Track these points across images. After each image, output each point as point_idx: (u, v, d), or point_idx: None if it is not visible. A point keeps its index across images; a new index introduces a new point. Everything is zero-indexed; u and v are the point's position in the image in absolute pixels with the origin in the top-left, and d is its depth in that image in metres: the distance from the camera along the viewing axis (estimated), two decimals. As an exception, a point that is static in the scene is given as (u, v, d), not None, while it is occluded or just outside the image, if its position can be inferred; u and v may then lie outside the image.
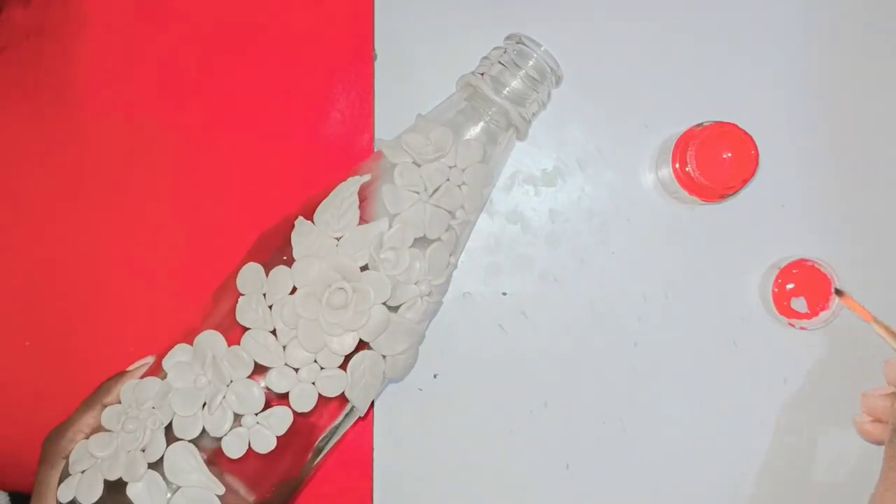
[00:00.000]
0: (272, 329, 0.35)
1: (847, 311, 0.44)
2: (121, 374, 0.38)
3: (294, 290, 0.35)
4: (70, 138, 0.45)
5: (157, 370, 0.37)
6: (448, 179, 0.38)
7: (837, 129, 0.46)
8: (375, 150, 0.39)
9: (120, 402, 0.37)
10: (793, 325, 0.44)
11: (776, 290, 0.44)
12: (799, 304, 0.44)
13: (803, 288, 0.44)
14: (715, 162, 0.41)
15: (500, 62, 0.39)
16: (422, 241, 0.37)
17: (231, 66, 0.46)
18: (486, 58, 0.40)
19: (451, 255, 0.39)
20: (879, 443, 0.38)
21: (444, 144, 0.38)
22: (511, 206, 0.45)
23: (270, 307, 0.35)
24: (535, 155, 0.46)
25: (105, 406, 0.37)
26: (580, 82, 0.45)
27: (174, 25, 0.46)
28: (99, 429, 0.37)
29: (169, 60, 0.46)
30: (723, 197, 0.43)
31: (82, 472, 0.35)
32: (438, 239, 0.38)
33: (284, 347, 0.35)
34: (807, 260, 0.43)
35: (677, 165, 0.42)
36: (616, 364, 0.45)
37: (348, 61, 0.46)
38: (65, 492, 0.35)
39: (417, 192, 0.37)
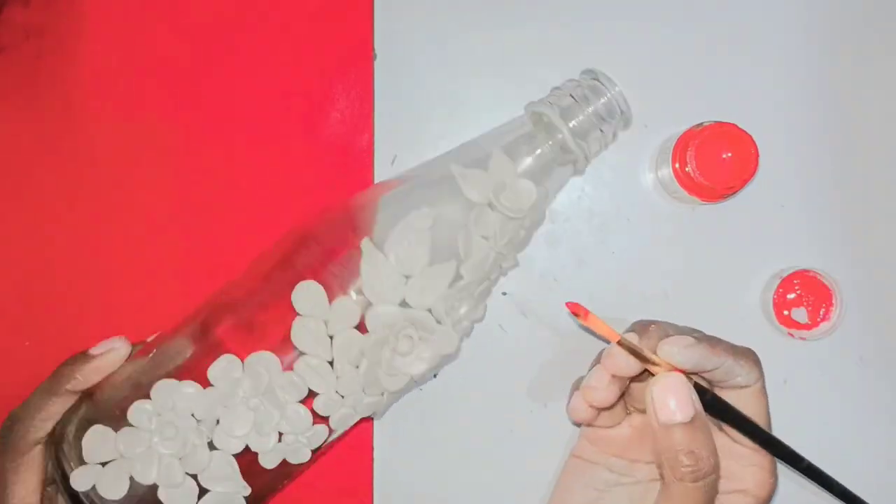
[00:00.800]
0: (330, 360, 0.35)
1: (847, 320, 0.44)
2: (83, 356, 0.37)
3: (359, 323, 0.35)
4: (70, 138, 0.45)
5: (148, 351, 0.37)
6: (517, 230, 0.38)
7: (837, 128, 0.46)
8: (443, 166, 0.37)
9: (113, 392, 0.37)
10: (792, 336, 0.44)
11: (777, 299, 0.44)
12: (799, 314, 0.44)
13: (804, 298, 0.44)
14: (715, 162, 0.41)
15: (571, 95, 0.38)
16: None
17: (231, 66, 0.46)
18: (557, 88, 0.39)
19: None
20: (583, 422, 0.38)
21: (526, 202, 0.37)
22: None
23: (331, 337, 0.35)
24: (535, 155, 0.46)
25: (69, 391, 0.36)
26: (580, 82, 0.45)
27: (174, 25, 0.46)
28: (80, 417, 0.36)
29: (169, 60, 0.46)
30: (723, 197, 0.43)
31: (102, 464, 0.35)
32: (488, 278, 0.38)
33: (338, 377, 0.35)
34: (808, 270, 0.43)
35: (677, 165, 0.42)
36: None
37: (348, 61, 0.46)
38: (82, 481, 0.34)
39: (487, 239, 0.37)
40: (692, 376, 0.35)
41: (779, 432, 0.45)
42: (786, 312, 0.44)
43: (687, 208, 0.45)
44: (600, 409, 0.37)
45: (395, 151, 0.45)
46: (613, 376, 0.35)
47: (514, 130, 0.38)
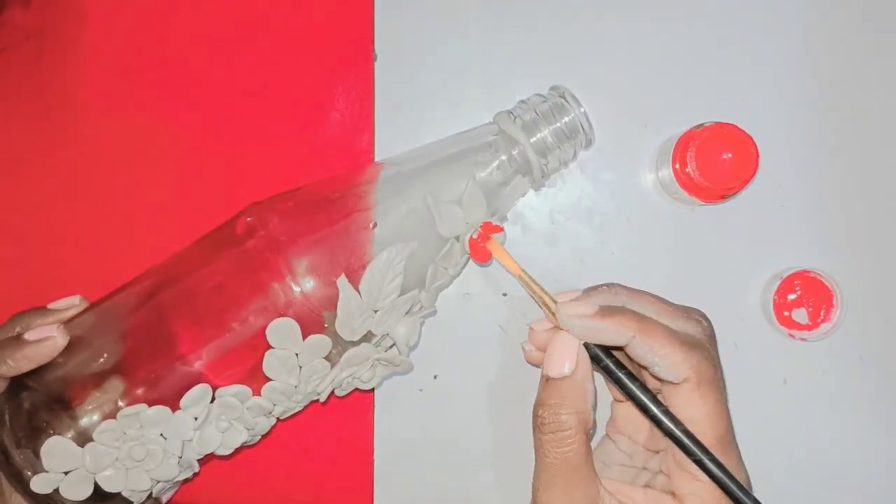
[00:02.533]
0: (296, 384, 0.36)
1: (847, 320, 0.44)
2: (16, 340, 0.36)
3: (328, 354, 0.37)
4: (70, 138, 0.46)
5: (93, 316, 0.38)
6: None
7: (837, 128, 0.46)
8: (423, 198, 0.38)
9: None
10: (793, 336, 0.44)
11: (777, 300, 0.44)
12: (800, 315, 0.44)
13: (805, 299, 0.44)
14: (715, 162, 0.41)
15: (535, 110, 0.39)
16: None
17: (231, 66, 0.46)
18: (524, 101, 0.39)
19: None
20: (536, 365, 0.38)
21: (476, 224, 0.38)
22: (512, 208, 0.45)
23: (300, 367, 0.36)
24: (536, 155, 0.46)
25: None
26: (580, 83, 0.45)
27: (174, 25, 0.46)
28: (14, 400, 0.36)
29: (168, 60, 0.46)
30: (723, 197, 0.43)
31: (65, 473, 0.35)
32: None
33: (300, 395, 0.37)
34: (809, 271, 0.43)
35: (677, 166, 0.42)
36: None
37: (348, 61, 0.46)
38: (43, 486, 0.35)
39: (448, 269, 0.39)
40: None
41: (779, 432, 0.45)
42: (786, 313, 0.44)
43: (687, 209, 0.45)
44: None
45: (395, 151, 0.45)
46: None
47: (479, 137, 0.39)
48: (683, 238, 0.45)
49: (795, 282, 0.44)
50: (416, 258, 0.36)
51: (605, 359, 0.35)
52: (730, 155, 0.41)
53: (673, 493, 0.34)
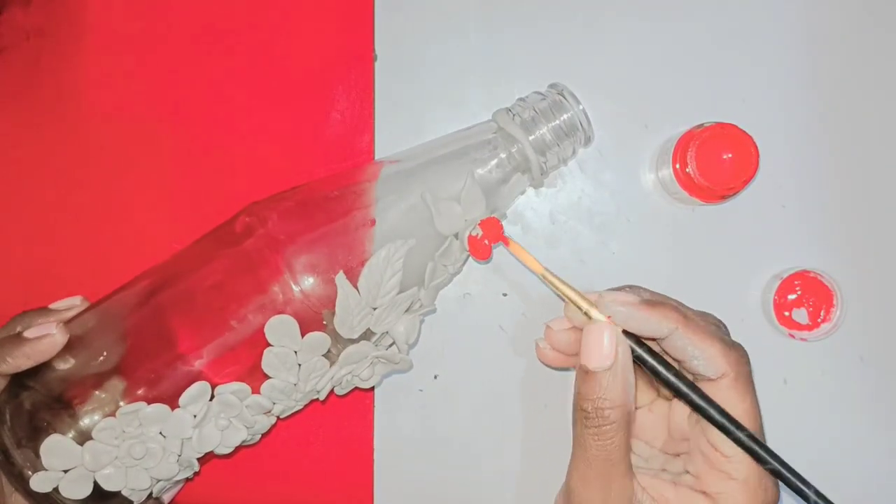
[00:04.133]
0: (295, 382, 0.36)
1: (847, 320, 0.44)
2: (16, 338, 0.36)
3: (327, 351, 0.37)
4: (70, 138, 0.46)
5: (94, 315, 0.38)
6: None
7: (837, 129, 0.46)
8: (420, 195, 0.38)
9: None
10: (793, 336, 0.44)
11: (777, 300, 0.44)
12: (800, 315, 0.44)
13: (805, 299, 0.44)
14: (715, 163, 0.41)
15: (534, 108, 0.39)
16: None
17: (230, 66, 0.46)
18: (522, 99, 0.39)
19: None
20: (549, 365, 0.38)
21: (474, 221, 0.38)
22: (511, 207, 0.45)
23: (299, 365, 0.36)
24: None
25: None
26: (581, 83, 0.45)
27: (174, 26, 0.46)
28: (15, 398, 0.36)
29: (168, 60, 0.46)
30: (723, 198, 0.43)
31: (65, 471, 0.35)
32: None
33: (299, 393, 0.37)
34: (809, 271, 0.43)
35: (677, 166, 0.42)
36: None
37: (348, 61, 0.46)
38: (41, 484, 0.35)
39: (447, 266, 0.39)
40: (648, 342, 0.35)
41: (779, 432, 0.45)
42: (786, 313, 0.44)
43: (687, 209, 0.45)
44: (568, 355, 0.37)
45: (395, 151, 0.45)
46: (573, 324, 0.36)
47: (478, 135, 0.39)
48: (683, 238, 0.45)
49: (795, 282, 0.44)
50: (415, 256, 0.36)
51: (638, 348, 0.34)
52: (730, 155, 0.41)
53: (705, 493, 0.34)
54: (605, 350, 0.33)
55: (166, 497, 0.40)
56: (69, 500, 0.35)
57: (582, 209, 0.45)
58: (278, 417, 0.38)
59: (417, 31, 0.46)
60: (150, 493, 0.37)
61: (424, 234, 0.37)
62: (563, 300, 0.36)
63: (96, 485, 0.35)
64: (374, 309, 0.36)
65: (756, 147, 0.41)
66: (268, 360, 0.35)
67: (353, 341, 0.37)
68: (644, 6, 0.46)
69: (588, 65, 0.46)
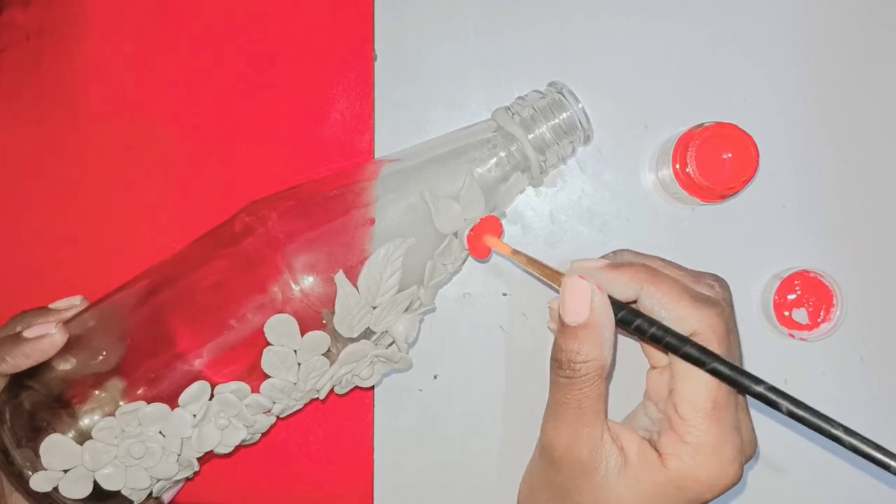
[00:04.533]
0: (295, 381, 0.36)
1: (847, 320, 0.44)
2: (15, 338, 0.36)
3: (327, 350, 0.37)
4: (70, 138, 0.46)
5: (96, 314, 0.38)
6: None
7: (837, 129, 0.46)
8: (419, 193, 0.38)
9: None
10: (792, 336, 0.44)
11: (777, 300, 0.44)
12: (800, 315, 0.44)
13: (805, 299, 0.44)
14: (715, 162, 0.41)
15: (534, 106, 0.39)
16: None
17: (230, 66, 0.46)
18: (522, 98, 0.39)
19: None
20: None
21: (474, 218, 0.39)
22: (511, 206, 0.45)
23: (299, 364, 0.36)
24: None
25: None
26: (581, 83, 0.45)
27: (174, 26, 0.46)
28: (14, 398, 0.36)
29: (168, 60, 0.46)
30: (723, 198, 0.43)
31: (65, 471, 0.35)
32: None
33: (299, 392, 0.37)
34: (809, 271, 0.43)
35: (677, 166, 0.42)
36: (616, 364, 0.45)
37: (348, 61, 0.46)
38: (41, 484, 0.35)
39: (447, 266, 0.39)
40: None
41: (779, 432, 0.45)
42: (786, 313, 0.44)
43: (687, 209, 0.45)
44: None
45: (395, 151, 0.45)
46: None
47: (478, 134, 0.39)
48: (683, 238, 0.45)
49: (795, 282, 0.44)
50: (414, 254, 0.36)
51: (625, 306, 0.34)
52: (730, 155, 0.41)
53: (658, 451, 0.34)
54: (580, 304, 0.34)
55: (166, 496, 0.40)
56: (69, 499, 0.35)
57: (582, 209, 0.45)
58: (278, 417, 0.38)
59: (417, 31, 0.46)
60: (150, 493, 0.37)
61: (424, 232, 0.37)
62: (537, 277, 0.36)
63: (96, 484, 0.35)
64: (374, 308, 0.36)
65: (756, 147, 0.41)
66: (267, 360, 0.35)
67: (352, 340, 0.37)
68: (644, 6, 0.46)
69: (588, 65, 0.46)
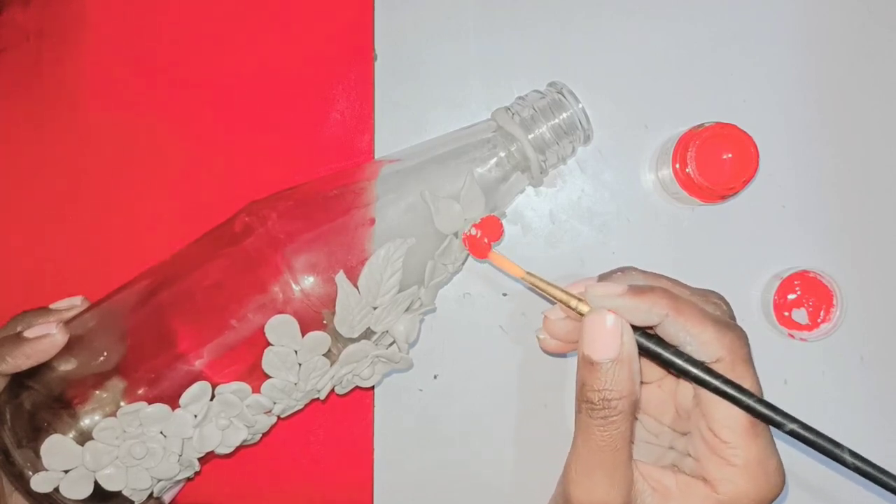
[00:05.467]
0: (295, 381, 0.36)
1: (847, 320, 0.44)
2: (16, 338, 0.36)
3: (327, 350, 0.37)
4: (70, 138, 0.46)
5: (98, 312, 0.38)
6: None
7: (837, 129, 0.46)
8: (419, 192, 0.38)
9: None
10: (792, 337, 0.44)
11: (777, 300, 0.44)
12: (800, 315, 0.44)
13: (805, 299, 0.44)
14: (715, 163, 0.41)
15: (533, 107, 0.39)
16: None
17: (230, 66, 0.46)
18: (522, 98, 0.39)
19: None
20: (553, 353, 0.38)
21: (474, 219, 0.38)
22: (511, 206, 0.45)
23: (300, 364, 0.36)
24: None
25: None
26: (581, 83, 0.45)
27: (174, 26, 0.46)
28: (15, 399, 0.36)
29: (168, 61, 0.46)
30: (723, 198, 0.43)
31: (66, 471, 0.35)
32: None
33: (299, 392, 0.37)
34: (808, 271, 0.43)
35: (677, 166, 0.42)
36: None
37: (348, 61, 0.46)
38: (42, 484, 0.35)
39: (447, 266, 0.39)
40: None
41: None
42: (786, 313, 0.44)
43: (687, 209, 0.45)
44: (568, 342, 0.36)
45: (395, 151, 0.45)
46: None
47: (478, 134, 0.39)
48: (683, 238, 0.45)
49: (795, 282, 0.44)
50: (415, 255, 0.36)
51: (640, 337, 0.33)
52: (730, 155, 0.41)
53: (704, 479, 0.33)
54: (610, 340, 0.32)
55: (167, 497, 0.40)
56: (70, 500, 0.35)
57: (582, 209, 0.45)
58: (279, 417, 0.38)
59: (417, 31, 0.46)
60: (151, 493, 0.37)
61: (424, 232, 0.37)
62: (551, 301, 0.35)
63: (97, 485, 0.35)
64: (375, 308, 0.36)
65: (756, 147, 0.41)
66: (268, 360, 0.35)
67: (353, 340, 0.37)
68: (644, 6, 0.46)
69: (588, 65, 0.46)
